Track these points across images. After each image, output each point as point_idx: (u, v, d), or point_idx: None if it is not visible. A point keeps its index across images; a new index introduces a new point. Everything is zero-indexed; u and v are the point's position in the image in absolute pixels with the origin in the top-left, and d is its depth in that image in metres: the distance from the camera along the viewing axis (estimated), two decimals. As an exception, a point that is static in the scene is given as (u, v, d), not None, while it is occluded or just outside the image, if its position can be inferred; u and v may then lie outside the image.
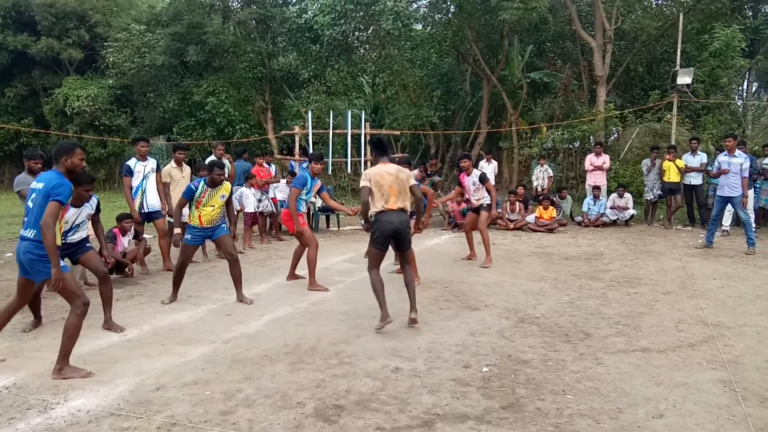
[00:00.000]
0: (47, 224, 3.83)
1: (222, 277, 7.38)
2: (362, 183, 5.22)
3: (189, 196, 6.03)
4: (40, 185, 4.03)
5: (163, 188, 8.00)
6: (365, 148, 14.43)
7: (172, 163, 8.41)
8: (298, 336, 4.95)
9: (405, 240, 5.26)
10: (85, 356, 4.48)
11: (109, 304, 5.15)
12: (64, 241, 4.97)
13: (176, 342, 4.82)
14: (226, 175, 6.48)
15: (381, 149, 5.42)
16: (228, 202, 6.25)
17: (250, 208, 9.93)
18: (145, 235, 8.07)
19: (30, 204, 4.10)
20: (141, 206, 7.63)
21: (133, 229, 7.55)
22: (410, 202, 5.38)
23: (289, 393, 3.77)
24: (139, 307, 5.94)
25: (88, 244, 5.46)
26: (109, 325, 5.16)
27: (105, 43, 20.17)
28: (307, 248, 6.89)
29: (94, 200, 5.50)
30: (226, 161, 9.02)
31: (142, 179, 7.62)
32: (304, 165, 8.48)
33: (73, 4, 21.11)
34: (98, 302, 5.09)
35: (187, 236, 6.10)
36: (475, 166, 14.38)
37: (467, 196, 8.42)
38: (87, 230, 5.54)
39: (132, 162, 7.61)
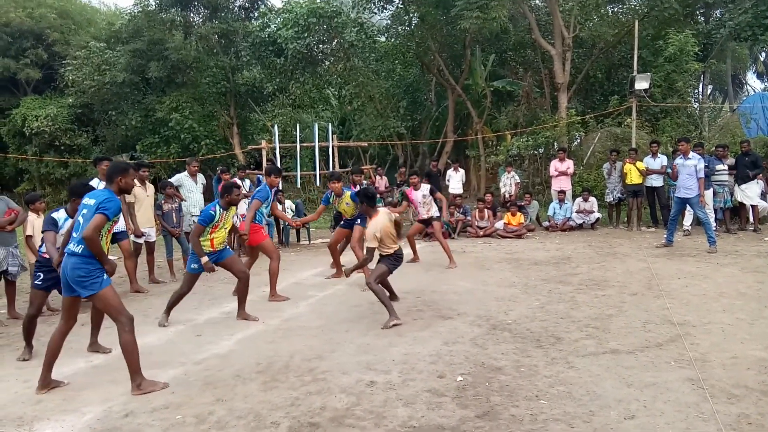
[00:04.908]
0: (91, 237, 3.97)
1: (190, 297, 7.25)
2: (371, 242, 5.68)
3: (208, 223, 5.79)
4: (92, 201, 4.15)
5: (128, 208, 7.84)
6: (333, 161, 14.43)
7: (136, 182, 8.23)
8: (271, 354, 4.89)
9: None
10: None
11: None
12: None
13: (145, 365, 4.66)
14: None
15: (374, 201, 6.04)
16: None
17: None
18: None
19: (80, 219, 4.16)
20: (105, 227, 7.45)
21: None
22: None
23: (262, 413, 3.71)
24: (105, 331, 5.76)
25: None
26: (96, 347, 5.16)
27: (64, 62, 19.75)
28: (260, 261, 6.97)
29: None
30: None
31: (106, 200, 7.45)
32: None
33: (29, 23, 20.66)
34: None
35: (195, 265, 5.85)
36: (443, 174, 14.67)
37: (417, 210, 8.96)
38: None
39: (95, 182, 7.43)
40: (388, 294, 5.90)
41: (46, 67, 21.60)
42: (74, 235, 4.19)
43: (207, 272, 5.92)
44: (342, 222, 8.29)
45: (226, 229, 5.99)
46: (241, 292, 6.12)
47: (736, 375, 4.09)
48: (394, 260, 5.89)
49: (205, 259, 5.77)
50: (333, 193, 7.93)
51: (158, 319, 5.98)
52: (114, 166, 4.35)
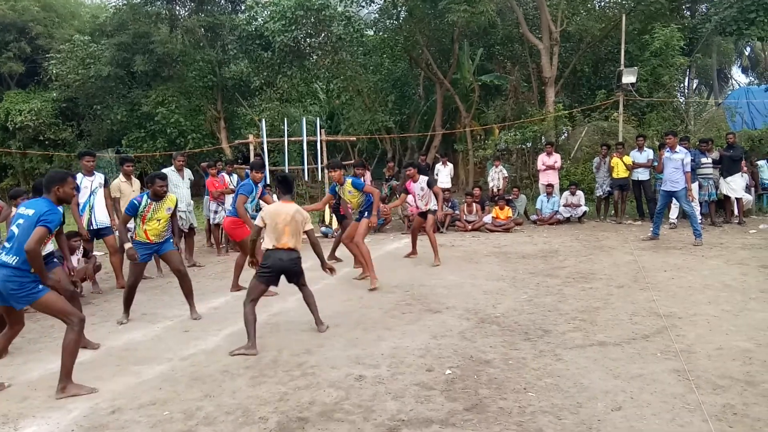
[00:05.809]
0: (33, 250, 3.80)
1: (177, 293, 7.19)
2: (257, 221, 5.24)
3: (133, 212, 5.80)
4: (30, 211, 3.96)
5: (113, 203, 7.76)
6: (321, 155, 14.38)
7: (121, 177, 8.16)
8: (259, 349, 4.86)
9: (295, 275, 5.28)
10: (35, 382, 4.29)
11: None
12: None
13: (131, 362, 4.67)
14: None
15: (286, 187, 5.36)
16: (173, 215, 6.07)
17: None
18: (95, 252, 7.82)
19: (15, 229, 3.98)
20: (89, 223, 7.39)
21: (81, 247, 7.30)
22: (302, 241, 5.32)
23: (251, 408, 3.70)
24: (91, 328, 5.70)
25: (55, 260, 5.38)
26: (84, 342, 5.02)
27: (47, 56, 19.49)
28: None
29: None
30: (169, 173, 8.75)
31: (90, 195, 7.39)
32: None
33: (12, 16, 20.32)
34: (48, 324, 4.90)
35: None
36: (432, 169, 14.68)
37: (414, 202, 8.84)
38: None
39: (78, 177, 7.35)
40: (254, 320, 4.93)
41: (29, 60, 21.28)
42: (6, 245, 3.99)
43: (129, 260, 5.80)
44: (341, 216, 8.23)
45: (158, 221, 5.88)
46: (186, 289, 6.01)
47: (721, 366, 4.14)
48: (263, 271, 5.07)
49: (128, 245, 5.75)
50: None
51: (118, 318, 5.93)
52: (52, 176, 4.17)
